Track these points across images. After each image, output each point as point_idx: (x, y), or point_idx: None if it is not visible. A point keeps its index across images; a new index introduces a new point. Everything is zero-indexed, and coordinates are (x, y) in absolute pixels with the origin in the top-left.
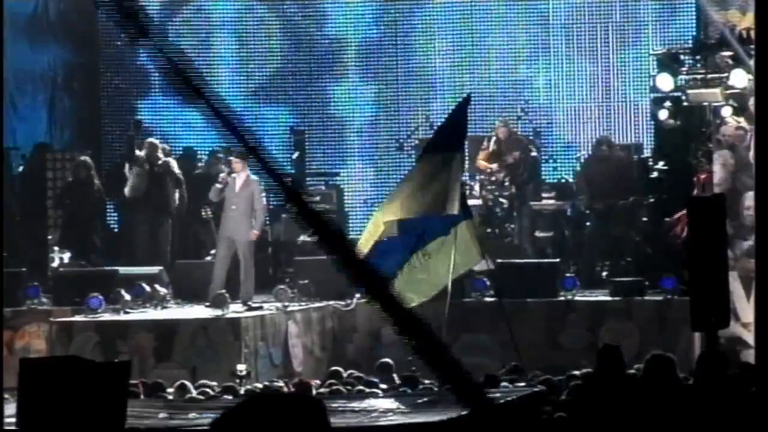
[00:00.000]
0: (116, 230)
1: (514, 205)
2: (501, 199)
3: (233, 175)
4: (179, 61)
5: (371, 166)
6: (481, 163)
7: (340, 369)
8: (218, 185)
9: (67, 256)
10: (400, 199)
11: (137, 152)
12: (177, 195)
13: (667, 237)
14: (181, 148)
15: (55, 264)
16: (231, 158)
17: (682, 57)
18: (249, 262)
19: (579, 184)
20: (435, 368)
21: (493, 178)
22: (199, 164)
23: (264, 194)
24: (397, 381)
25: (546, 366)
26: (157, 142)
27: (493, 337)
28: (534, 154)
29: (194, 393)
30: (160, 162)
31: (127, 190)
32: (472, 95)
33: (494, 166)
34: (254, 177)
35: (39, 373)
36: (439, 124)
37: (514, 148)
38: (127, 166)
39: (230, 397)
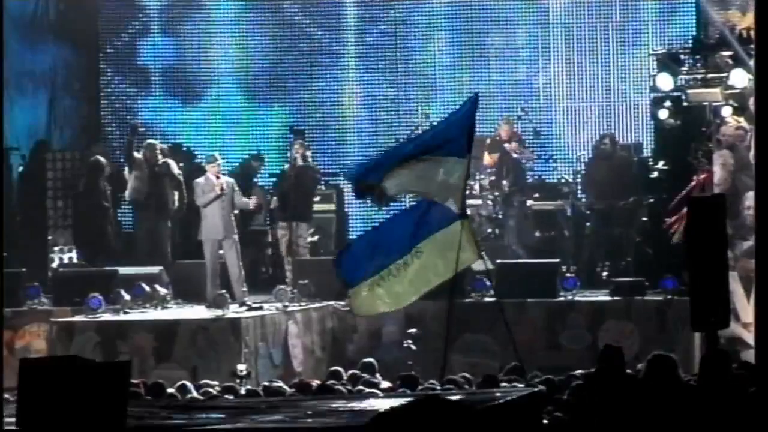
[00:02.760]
0: (117, 231)
1: (510, 204)
2: (500, 199)
3: (210, 178)
4: None
5: None
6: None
7: (341, 369)
8: (213, 190)
9: (67, 257)
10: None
11: (136, 155)
12: (176, 196)
13: (667, 236)
14: (173, 146)
15: (55, 264)
16: (207, 163)
17: (682, 57)
18: (239, 264)
19: (585, 182)
20: None
21: (493, 178)
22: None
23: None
24: (379, 379)
25: (546, 366)
26: (156, 143)
27: (493, 337)
28: (516, 155)
29: (195, 393)
30: (159, 163)
31: (127, 193)
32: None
33: (488, 160)
34: (228, 179)
35: (39, 373)
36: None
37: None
38: (126, 169)
39: (231, 397)
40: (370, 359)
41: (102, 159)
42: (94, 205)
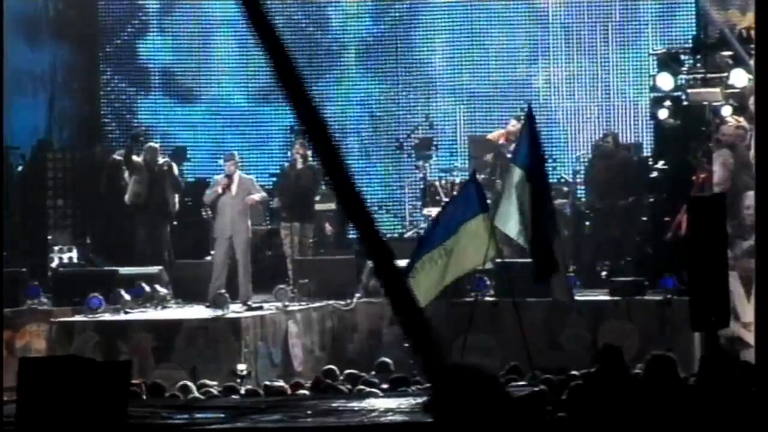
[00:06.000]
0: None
1: None
2: (492, 199)
3: (227, 176)
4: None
5: (371, 166)
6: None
7: (334, 367)
8: (215, 188)
9: (67, 257)
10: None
11: (136, 158)
12: (177, 198)
13: (667, 239)
14: (172, 147)
15: (55, 264)
16: (226, 161)
17: (682, 57)
18: (247, 262)
19: (585, 181)
20: (428, 368)
21: (486, 177)
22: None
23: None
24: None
25: (546, 366)
26: (157, 146)
27: (493, 337)
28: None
29: (196, 393)
30: (159, 163)
31: (127, 197)
32: (472, 95)
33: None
34: (246, 176)
35: (39, 373)
36: (438, 124)
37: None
38: (126, 173)
39: (236, 397)
40: (386, 359)
41: (118, 157)
42: (117, 205)
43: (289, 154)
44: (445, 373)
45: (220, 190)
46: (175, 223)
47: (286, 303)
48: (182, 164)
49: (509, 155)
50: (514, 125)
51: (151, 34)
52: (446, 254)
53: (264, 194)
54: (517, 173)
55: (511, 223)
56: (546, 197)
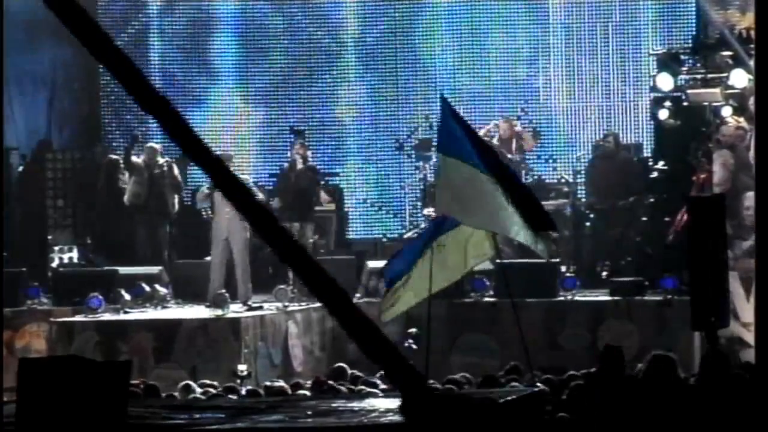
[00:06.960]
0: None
1: None
2: None
3: None
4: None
5: (371, 166)
6: None
7: (345, 366)
8: (206, 189)
9: (67, 257)
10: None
11: (135, 159)
12: (176, 199)
13: (667, 240)
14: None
15: (55, 264)
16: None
17: (682, 57)
18: (245, 262)
19: (586, 181)
20: (380, 363)
21: None
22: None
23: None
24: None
25: (546, 366)
26: (156, 146)
27: (493, 337)
28: (510, 156)
29: (198, 393)
30: (159, 163)
31: (126, 198)
32: (472, 95)
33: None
34: (244, 177)
35: (39, 373)
36: (439, 124)
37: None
38: (126, 174)
39: (234, 397)
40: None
41: (115, 156)
42: (115, 204)
43: (288, 154)
44: (424, 395)
45: (207, 190)
46: (175, 223)
47: (286, 303)
48: (189, 165)
49: (510, 155)
50: (504, 128)
51: (151, 34)
52: (440, 250)
53: (260, 195)
54: (485, 179)
55: (515, 227)
56: (514, 176)
